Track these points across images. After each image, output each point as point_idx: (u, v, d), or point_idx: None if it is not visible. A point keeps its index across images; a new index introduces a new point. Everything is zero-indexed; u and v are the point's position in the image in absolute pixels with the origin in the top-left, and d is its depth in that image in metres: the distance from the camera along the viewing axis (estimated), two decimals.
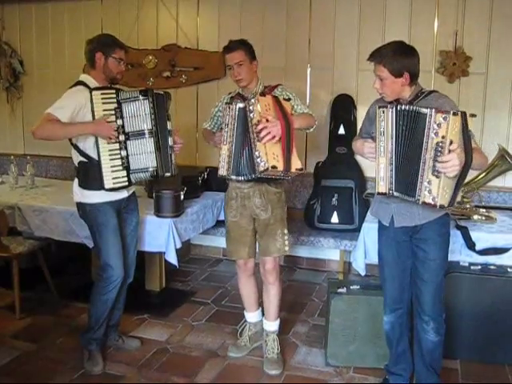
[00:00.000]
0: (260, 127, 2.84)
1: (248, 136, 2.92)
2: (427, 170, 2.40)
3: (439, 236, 2.78)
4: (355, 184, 4.74)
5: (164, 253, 3.97)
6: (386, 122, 2.55)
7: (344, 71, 4.89)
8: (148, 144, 3.17)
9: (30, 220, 4.18)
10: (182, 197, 4.03)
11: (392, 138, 2.54)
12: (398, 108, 2.51)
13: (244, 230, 3.34)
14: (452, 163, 2.32)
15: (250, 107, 2.88)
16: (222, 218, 4.74)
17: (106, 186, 3.15)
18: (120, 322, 3.64)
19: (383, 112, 2.56)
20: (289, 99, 3.11)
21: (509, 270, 3.42)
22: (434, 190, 2.40)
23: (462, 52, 4.47)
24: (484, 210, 3.87)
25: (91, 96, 3.09)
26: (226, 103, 3.08)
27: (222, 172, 3.07)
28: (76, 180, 3.27)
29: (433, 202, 2.41)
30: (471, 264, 3.47)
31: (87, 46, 3.23)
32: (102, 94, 3.12)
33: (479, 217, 3.79)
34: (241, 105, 2.95)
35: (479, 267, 3.44)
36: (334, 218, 4.72)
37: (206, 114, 5.21)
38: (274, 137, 2.85)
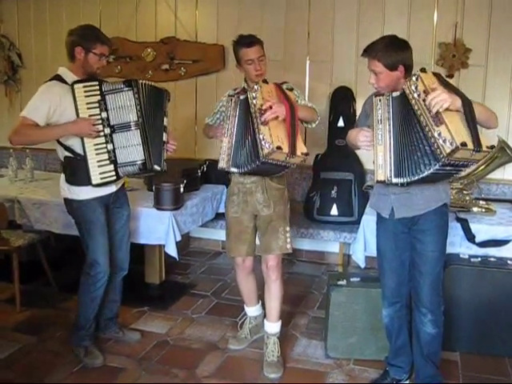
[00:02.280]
0: (264, 107, 2.82)
1: (250, 125, 2.89)
2: (431, 127, 2.33)
3: (437, 227, 2.78)
4: (354, 176, 4.74)
5: (164, 245, 3.98)
6: (383, 109, 2.56)
7: (343, 64, 4.88)
8: (135, 136, 3.09)
9: (30, 213, 4.18)
10: (182, 189, 4.03)
11: (390, 125, 2.54)
12: (394, 95, 2.53)
13: (244, 227, 3.31)
14: (438, 94, 2.32)
15: (253, 94, 2.88)
16: (221, 210, 4.75)
17: (94, 182, 3.08)
18: (118, 314, 3.64)
19: (380, 100, 2.58)
20: (291, 89, 3.12)
21: (509, 262, 3.42)
22: (447, 135, 2.28)
23: (462, 44, 4.46)
24: (484, 203, 3.88)
25: (73, 90, 3.00)
26: (229, 95, 3.08)
27: (222, 164, 3.04)
28: (62, 175, 3.21)
29: (453, 146, 2.25)
30: (471, 256, 3.47)
31: (67, 38, 3.13)
32: (84, 86, 3.04)
33: (479, 209, 3.79)
34: (242, 96, 2.96)
35: (479, 259, 3.44)
36: (334, 211, 4.72)
37: (205, 107, 5.25)
38: (277, 117, 2.81)
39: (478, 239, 3.52)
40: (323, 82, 4.95)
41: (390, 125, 2.54)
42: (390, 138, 2.55)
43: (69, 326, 3.41)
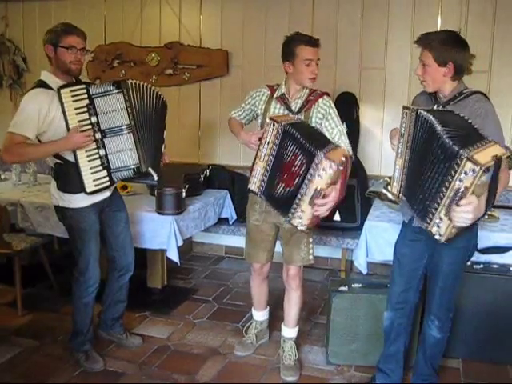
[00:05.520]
0: (321, 202, 2.66)
1: (297, 179, 2.68)
2: (441, 208, 2.26)
3: (458, 243, 2.64)
4: (357, 182, 4.73)
5: (165, 250, 3.97)
6: (407, 124, 2.44)
7: (346, 69, 4.87)
8: (127, 140, 2.97)
9: (32, 217, 4.19)
10: (184, 194, 4.04)
11: (408, 143, 2.44)
12: (418, 113, 2.37)
13: (265, 235, 3.29)
14: (464, 216, 2.20)
15: (320, 169, 2.57)
16: (224, 215, 4.76)
17: (88, 190, 2.98)
18: (123, 315, 3.63)
19: (405, 114, 2.44)
20: (352, 157, 2.90)
21: (511, 269, 3.41)
22: (443, 228, 2.29)
23: None
24: None
25: (60, 96, 2.86)
26: (271, 118, 2.83)
27: (253, 187, 2.90)
28: (53, 182, 3.12)
29: (438, 237, 2.33)
30: (473, 263, 3.45)
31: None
32: (71, 91, 2.89)
33: None
34: (287, 128, 2.71)
35: (481, 266, 3.43)
36: (336, 216, 4.71)
37: (208, 112, 5.28)
38: (327, 211, 2.74)
39: (480, 246, 3.48)
40: (327, 87, 4.88)
41: (408, 142, 2.44)
42: (407, 156, 2.46)
43: (70, 330, 3.40)
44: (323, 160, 2.56)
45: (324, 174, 2.59)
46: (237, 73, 5.16)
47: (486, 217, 3.71)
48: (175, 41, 5.29)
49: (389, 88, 4.74)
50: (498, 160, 2.14)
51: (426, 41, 2.57)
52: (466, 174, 2.14)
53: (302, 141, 2.64)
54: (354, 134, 4.80)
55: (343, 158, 2.63)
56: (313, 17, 4.89)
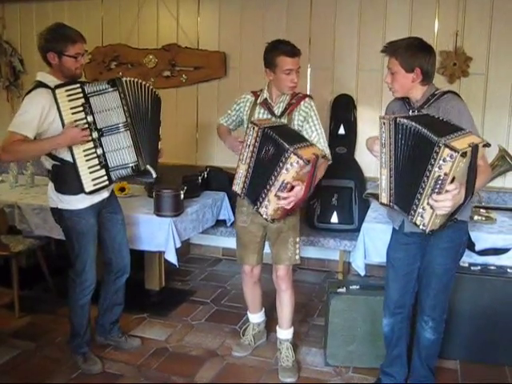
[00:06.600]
0: (284, 195, 2.79)
1: (269, 173, 2.80)
2: (424, 198, 2.30)
3: (448, 242, 2.71)
4: (355, 184, 4.74)
5: (164, 252, 3.97)
6: (387, 134, 2.45)
7: (344, 71, 4.88)
8: (125, 138, 2.97)
9: (30, 219, 4.18)
10: (182, 196, 4.03)
11: (391, 151, 2.45)
12: (397, 121, 2.38)
13: (253, 237, 3.32)
14: (444, 204, 2.23)
15: (289, 165, 2.70)
16: (221, 217, 4.75)
17: (87, 190, 2.98)
18: (120, 318, 3.62)
19: (384, 124, 2.45)
20: (324, 156, 2.95)
21: (508, 270, 3.42)
22: (426, 217, 2.33)
23: (463, 52, 4.47)
24: (484, 211, 3.87)
25: (55, 95, 2.86)
26: (252, 122, 2.92)
27: (236, 189, 3.02)
28: (51, 184, 3.11)
29: (423, 228, 2.36)
30: (471, 264, 3.46)
31: (38, 42, 2.96)
32: (66, 90, 2.89)
33: (479, 217, 3.79)
34: (266, 131, 2.82)
35: (479, 268, 3.44)
36: (334, 218, 4.72)
37: (206, 114, 5.28)
38: (288, 204, 2.84)
39: (477, 247, 3.50)
40: (324, 90, 4.95)
41: (391, 150, 2.45)
42: (393, 164, 2.46)
43: (68, 332, 3.40)
44: (292, 155, 2.69)
45: (291, 168, 2.71)
46: (234, 75, 5.16)
47: (481, 218, 3.74)
48: (173, 43, 5.29)
49: (386, 90, 4.69)
50: (474, 146, 2.22)
51: (392, 48, 2.62)
52: (444, 160, 2.20)
53: (278, 139, 2.76)
54: (351, 135, 4.82)
55: (312, 156, 2.75)
56: (310, 19, 4.90)
